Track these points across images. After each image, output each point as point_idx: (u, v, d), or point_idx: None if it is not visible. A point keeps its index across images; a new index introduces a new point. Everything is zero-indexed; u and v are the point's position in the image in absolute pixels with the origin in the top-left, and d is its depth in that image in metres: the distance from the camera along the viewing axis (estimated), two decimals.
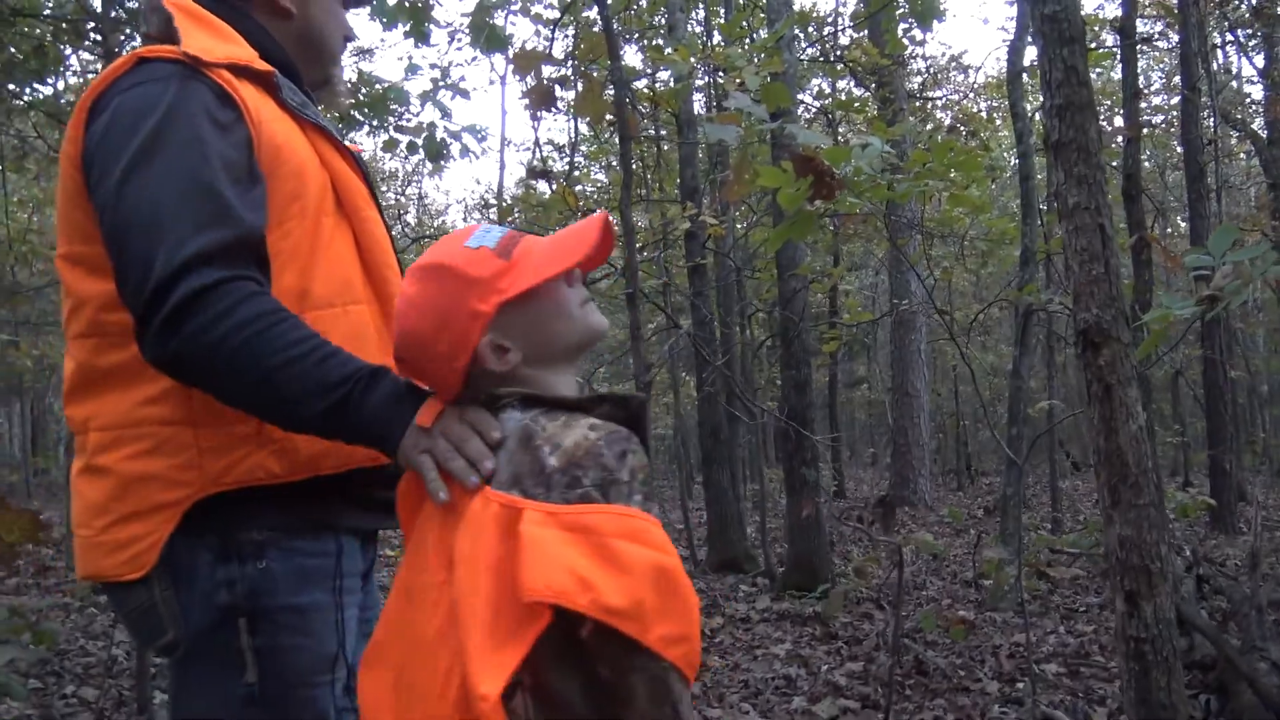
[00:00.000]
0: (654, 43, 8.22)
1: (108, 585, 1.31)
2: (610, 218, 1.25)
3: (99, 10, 4.60)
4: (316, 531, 1.30)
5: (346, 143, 1.49)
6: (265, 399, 1.16)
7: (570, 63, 3.78)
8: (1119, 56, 5.84)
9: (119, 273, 1.19)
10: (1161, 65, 14.94)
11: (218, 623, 1.25)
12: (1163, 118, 13.20)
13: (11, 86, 5.35)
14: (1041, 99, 2.34)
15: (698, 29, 10.04)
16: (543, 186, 7.67)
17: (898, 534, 4.33)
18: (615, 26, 3.48)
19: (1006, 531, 5.61)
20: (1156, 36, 10.72)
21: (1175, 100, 13.96)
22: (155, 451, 1.24)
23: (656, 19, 8.78)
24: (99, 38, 4.53)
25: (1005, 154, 15.92)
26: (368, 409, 1.15)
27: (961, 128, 10.43)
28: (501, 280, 1.15)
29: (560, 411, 1.15)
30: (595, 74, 3.42)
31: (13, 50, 5.13)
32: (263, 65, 1.32)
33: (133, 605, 1.29)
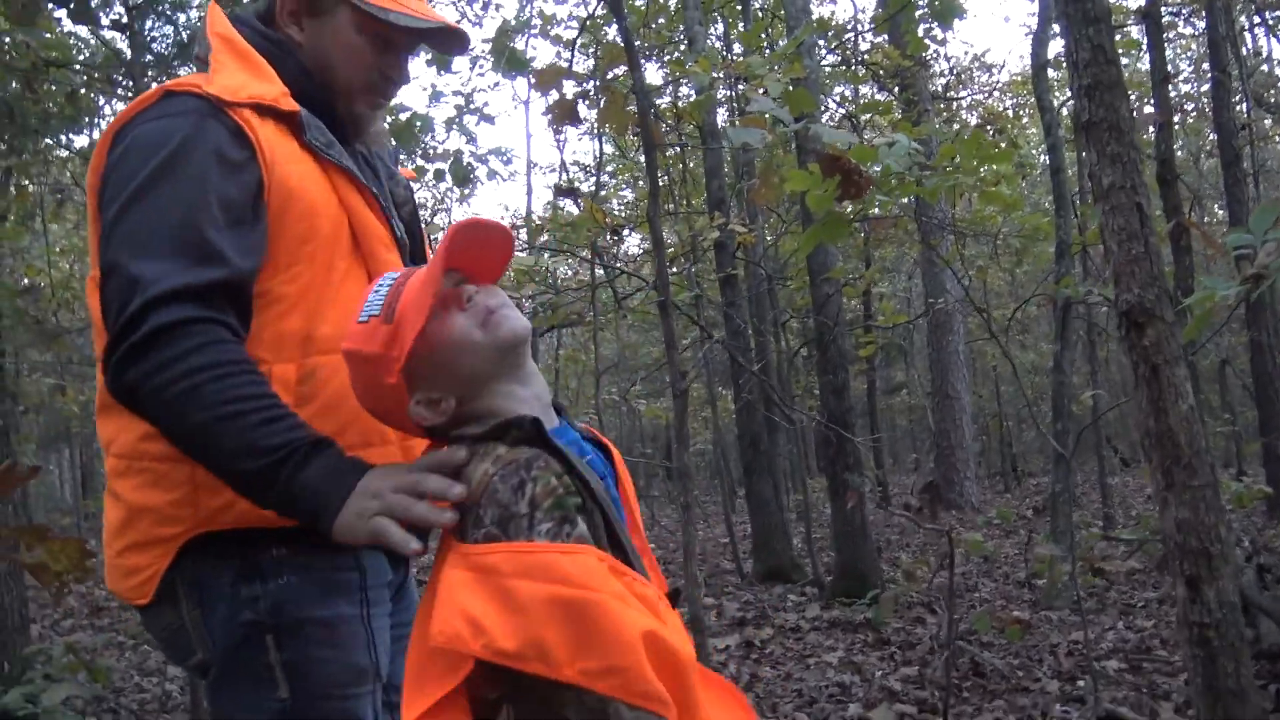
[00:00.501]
0: (674, 57, 8.25)
1: (140, 609, 1.33)
2: (476, 219, 1.19)
3: (129, 57, 4.69)
4: (332, 552, 1.28)
5: (399, 168, 1.50)
6: (202, 447, 1.15)
7: (592, 80, 3.80)
8: (1145, 43, 5.76)
9: (103, 296, 1.19)
10: (1189, 53, 14.73)
11: (244, 640, 1.26)
12: (1193, 105, 13.02)
13: (48, 141, 5.46)
14: (1069, 87, 2.30)
15: (717, 43, 10.06)
16: (570, 206, 7.70)
17: (944, 524, 4.26)
18: (635, 40, 3.49)
19: (1058, 529, 5.50)
20: (1183, 22, 10.58)
21: (1205, 88, 13.79)
22: (155, 485, 1.25)
23: (676, 35, 8.82)
24: (129, 82, 4.62)
25: (1034, 151, 15.78)
26: (300, 480, 1.13)
27: (989, 126, 10.34)
28: (392, 349, 1.13)
29: (483, 444, 1.14)
30: (616, 85, 3.43)
31: (49, 105, 5.25)
32: (288, 105, 1.31)
33: (163, 626, 1.31)
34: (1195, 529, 2.10)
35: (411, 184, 1.57)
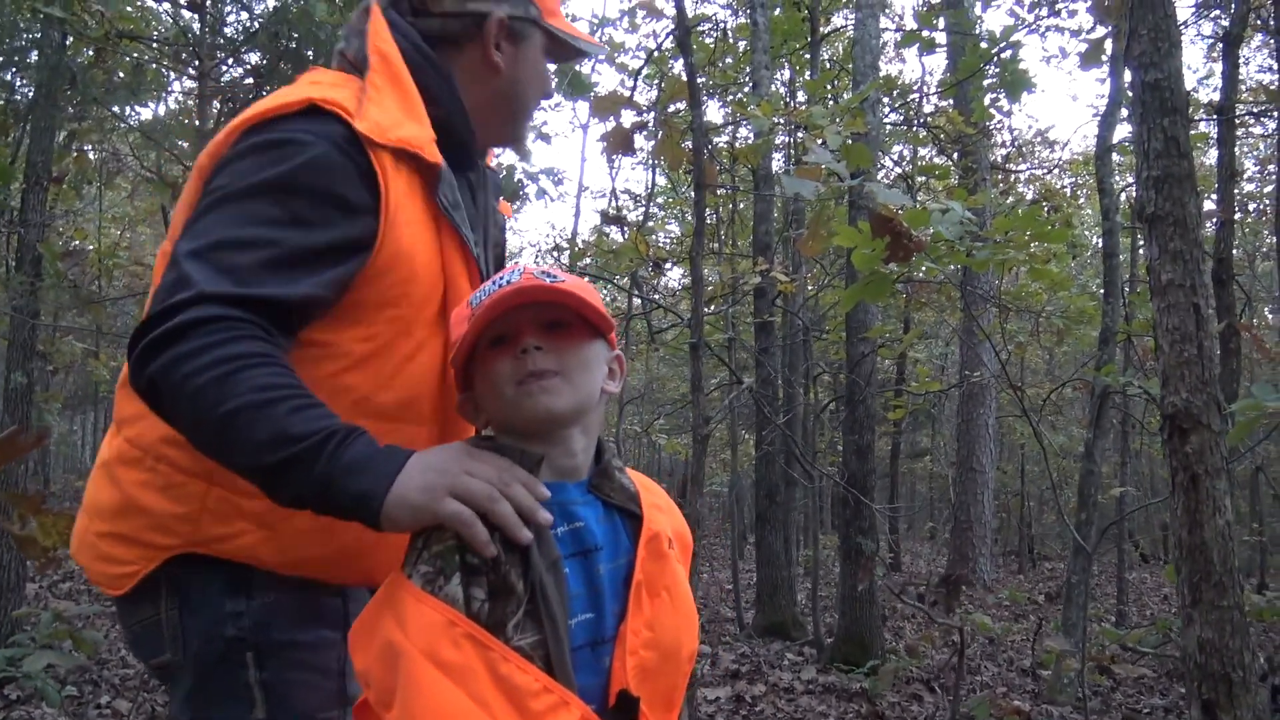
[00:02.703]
0: (737, 98, 8.25)
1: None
2: (527, 267, 1.14)
3: (197, 35, 4.74)
4: (321, 574, 1.25)
5: (499, 202, 1.47)
6: (228, 441, 1.05)
7: (651, 111, 3.78)
8: (1214, 137, 5.67)
9: (162, 280, 1.14)
10: (1255, 152, 14.58)
11: (224, 655, 1.20)
12: (1254, 205, 12.85)
13: (115, 109, 5.54)
14: (1136, 171, 2.24)
15: (781, 89, 10.06)
16: (616, 234, 7.69)
17: (956, 615, 4.14)
18: (699, 77, 3.46)
19: (1069, 621, 5.36)
20: (1254, 120, 10.45)
21: (1268, 189, 13.62)
22: (163, 491, 1.20)
23: (741, 76, 8.83)
24: (196, 62, 4.67)
25: (1086, 232, 15.63)
26: (344, 459, 1.03)
27: (1044, 203, 10.25)
28: (455, 346, 1.13)
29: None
30: (676, 120, 3.40)
31: (119, 74, 5.32)
32: (433, 156, 1.24)
33: (137, 619, 1.25)
34: (1219, 651, 2.00)
35: (506, 221, 1.53)
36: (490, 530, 1.03)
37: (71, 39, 5.02)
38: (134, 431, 1.24)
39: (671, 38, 5.59)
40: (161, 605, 1.22)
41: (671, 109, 3.92)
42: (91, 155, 7.26)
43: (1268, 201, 13.01)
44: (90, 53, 5.28)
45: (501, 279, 1.13)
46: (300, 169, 1.15)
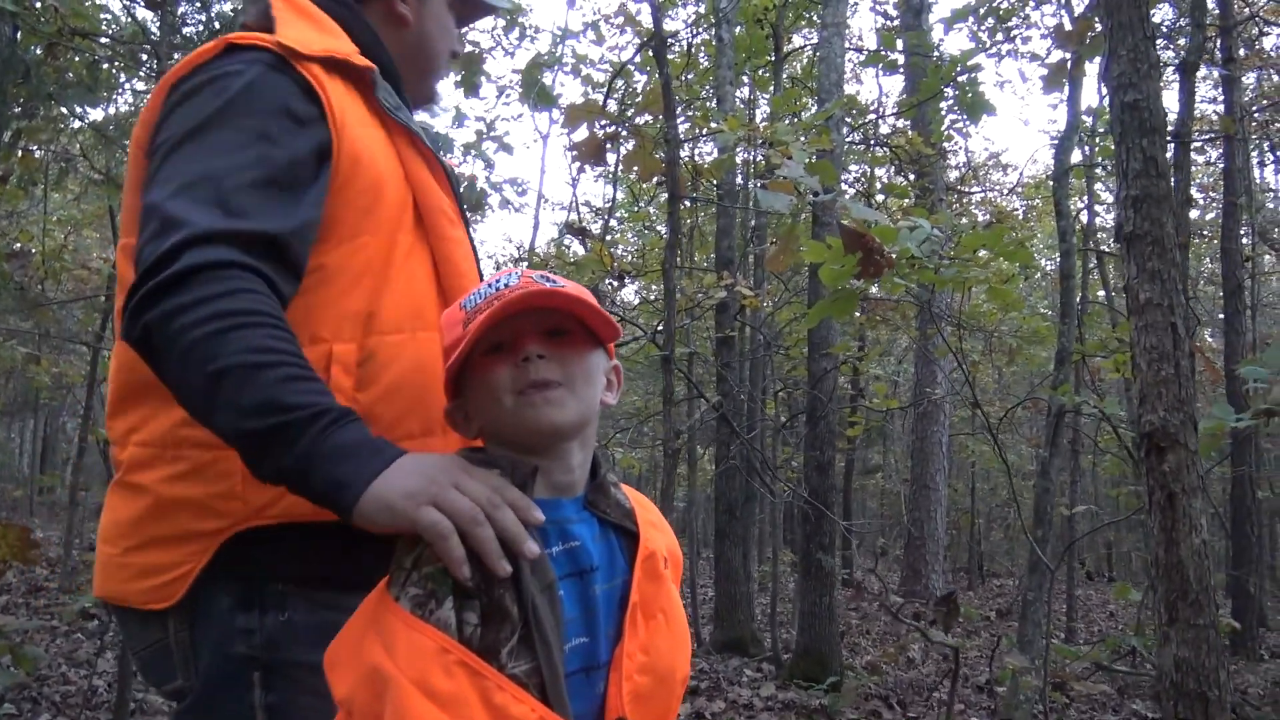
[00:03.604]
0: (698, 114, 8.27)
1: (121, 614, 1.21)
2: (525, 271, 1.10)
3: (156, 36, 4.63)
4: (346, 587, 1.15)
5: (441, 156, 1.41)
6: (213, 400, 0.99)
7: (623, 124, 3.75)
8: (1172, 161, 5.80)
9: (139, 239, 1.08)
10: (1197, 180, 14.96)
11: (231, 674, 1.14)
12: (1198, 232, 13.17)
13: (63, 109, 5.38)
14: (1116, 192, 2.25)
15: (741, 106, 10.12)
16: (577, 246, 7.64)
17: (913, 631, 4.14)
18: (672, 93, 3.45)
19: (1025, 638, 5.40)
20: (1199, 150, 10.73)
21: (1210, 215, 13.98)
22: (194, 475, 1.13)
23: (705, 91, 8.86)
24: (155, 62, 4.55)
25: (1037, 255, 15.90)
26: (329, 442, 0.97)
27: (999, 224, 10.40)
28: (452, 351, 1.06)
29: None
30: (647, 131, 3.38)
31: (70, 74, 5.17)
32: (362, 60, 1.24)
33: (146, 643, 1.19)
34: (1195, 670, 2.01)
35: (454, 169, 1.50)
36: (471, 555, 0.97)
37: (22, 34, 4.88)
38: (142, 435, 1.18)
39: (641, 50, 5.58)
40: (170, 627, 1.16)
41: (642, 120, 3.90)
42: (39, 155, 7.06)
43: (1210, 229, 13.36)
44: (38, 50, 5.13)
45: (498, 283, 1.08)
46: (241, 94, 1.13)
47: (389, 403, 1.17)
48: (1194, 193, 14.56)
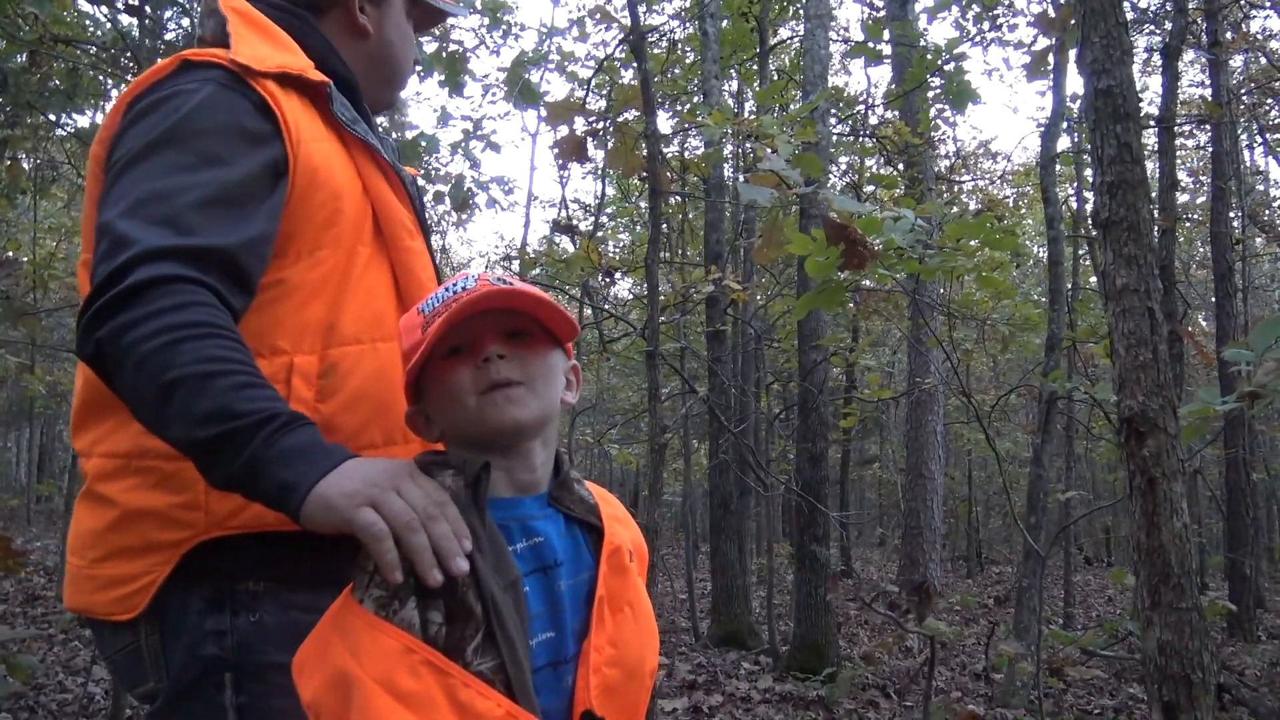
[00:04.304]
0: (686, 108, 8.26)
1: (92, 622, 1.21)
2: (481, 274, 1.11)
3: (136, 40, 4.61)
4: (317, 586, 1.16)
5: (404, 168, 1.41)
6: (166, 410, 1.00)
7: (604, 120, 3.75)
8: (1155, 148, 5.80)
9: (95, 255, 1.09)
10: (1187, 164, 14.98)
11: (201, 676, 1.14)
12: (1187, 217, 13.18)
13: (50, 116, 5.36)
14: (1092, 177, 2.25)
15: (729, 100, 10.11)
16: (566, 243, 7.65)
17: (929, 616, 4.13)
18: (651, 87, 3.45)
19: (1021, 624, 5.42)
20: (1187, 134, 10.74)
21: (1200, 200, 13.99)
22: (158, 486, 1.14)
23: (691, 86, 8.85)
24: (134, 67, 4.54)
25: (1028, 242, 15.92)
26: (279, 446, 0.98)
27: (989, 212, 10.40)
28: (411, 355, 1.06)
29: (437, 469, 1.06)
30: (629, 126, 3.37)
31: (55, 82, 5.15)
32: (316, 75, 1.25)
33: (117, 647, 1.19)
34: (1178, 653, 2.01)
35: (416, 180, 1.49)
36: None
37: (3, 43, 4.86)
38: (107, 446, 1.18)
39: (622, 46, 5.58)
40: (141, 631, 1.16)
41: (624, 117, 3.90)
42: (25, 164, 7.04)
43: (1200, 213, 13.37)
44: (23, 59, 5.12)
45: (455, 285, 1.09)
46: (193, 113, 1.14)
47: (351, 413, 1.18)
48: (1183, 177, 14.60)
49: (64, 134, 5.84)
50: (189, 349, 0.99)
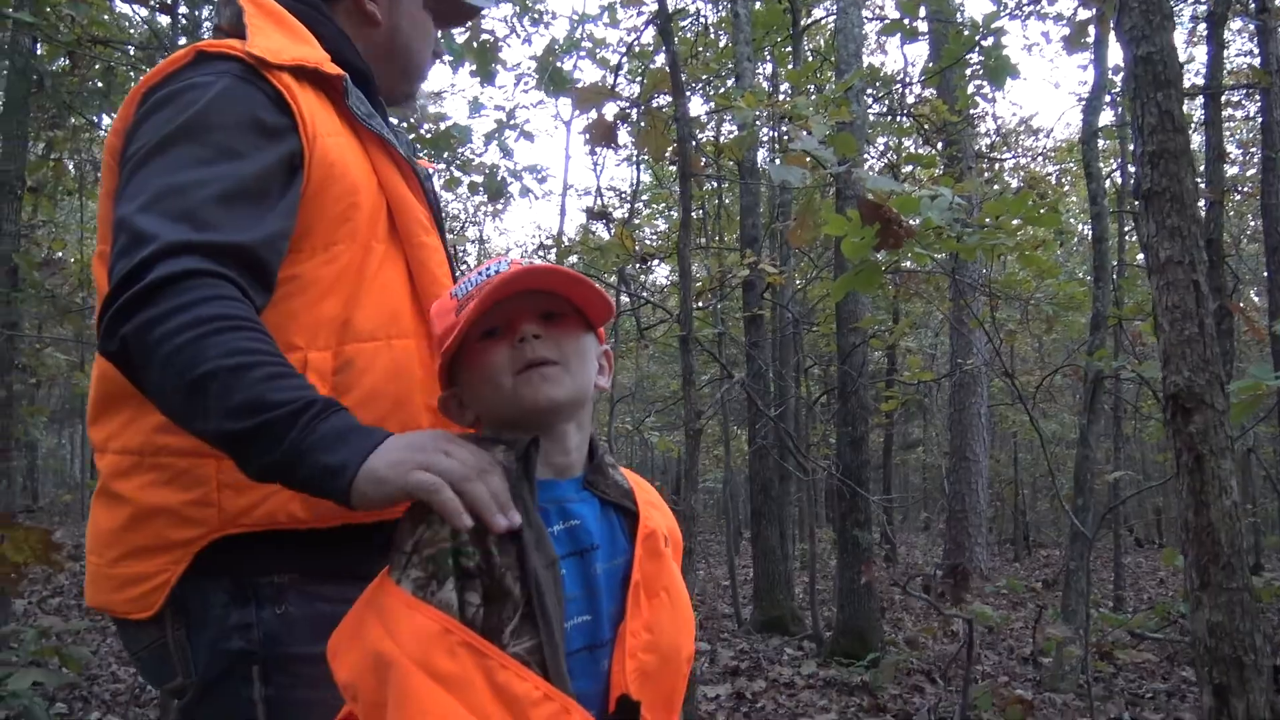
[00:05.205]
0: (720, 91, 8.20)
1: (117, 620, 1.21)
2: (513, 259, 1.12)
3: (172, 38, 4.66)
4: (341, 578, 1.16)
5: (418, 161, 1.40)
6: (199, 405, 0.99)
7: (634, 105, 3.73)
8: (1202, 118, 5.65)
9: (113, 250, 1.09)
10: (1236, 135, 14.60)
11: (229, 670, 1.14)
12: (1238, 189, 12.85)
13: (88, 116, 5.44)
14: (1132, 148, 2.19)
15: (764, 83, 10.02)
16: (601, 230, 7.63)
17: (970, 599, 4.09)
18: (681, 69, 3.41)
19: (1069, 608, 5.33)
20: (1236, 104, 10.46)
21: (1250, 172, 13.63)
22: (171, 483, 1.14)
23: (724, 69, 8.78)
24: None
25: (1072, 219, 15.63)
26: (319, 430, 0.97)
27: (1031, 189, 10.22)
28: (445, 339, 1.07)
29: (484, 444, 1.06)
30: (659, 112, 3.34)
31: (95, 82, 5.23)
32: (332, 68, 1.23)
33: (143, 644, 1.19)
34: (1229, 634, 1.96)
35: (431, 174, 1.47)
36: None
37: (43, 47, 4.94)
38: (120, 442, 1.18)
39: (652, 29, 5.54)
40: (167, 627, 1.17)
41: (655, 102, 3.87)
42: (70, 164, 7.16)
43: (1249, 185, 13.03)
44: (65, 60, 5.19)
45: (487, 270, 1.09)
46: (209, 106, 1.13)
47: (366, 409, 1.16)
48: (1233, 149, 14.24)
49: (104, 134, 5.92)
50: (217, 342, 0.99)
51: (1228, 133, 14.38)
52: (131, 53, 5.41)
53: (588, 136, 3.29)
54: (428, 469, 0.96)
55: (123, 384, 1.14)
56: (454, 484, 0.96)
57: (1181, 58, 2.28)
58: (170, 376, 1.00)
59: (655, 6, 3.71)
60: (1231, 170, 13.58)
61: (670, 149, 3.24)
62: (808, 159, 3.46)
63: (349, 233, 1.20)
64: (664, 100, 4.61)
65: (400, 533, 1.01)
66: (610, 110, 3.32)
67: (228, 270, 1.06)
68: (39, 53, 4.72)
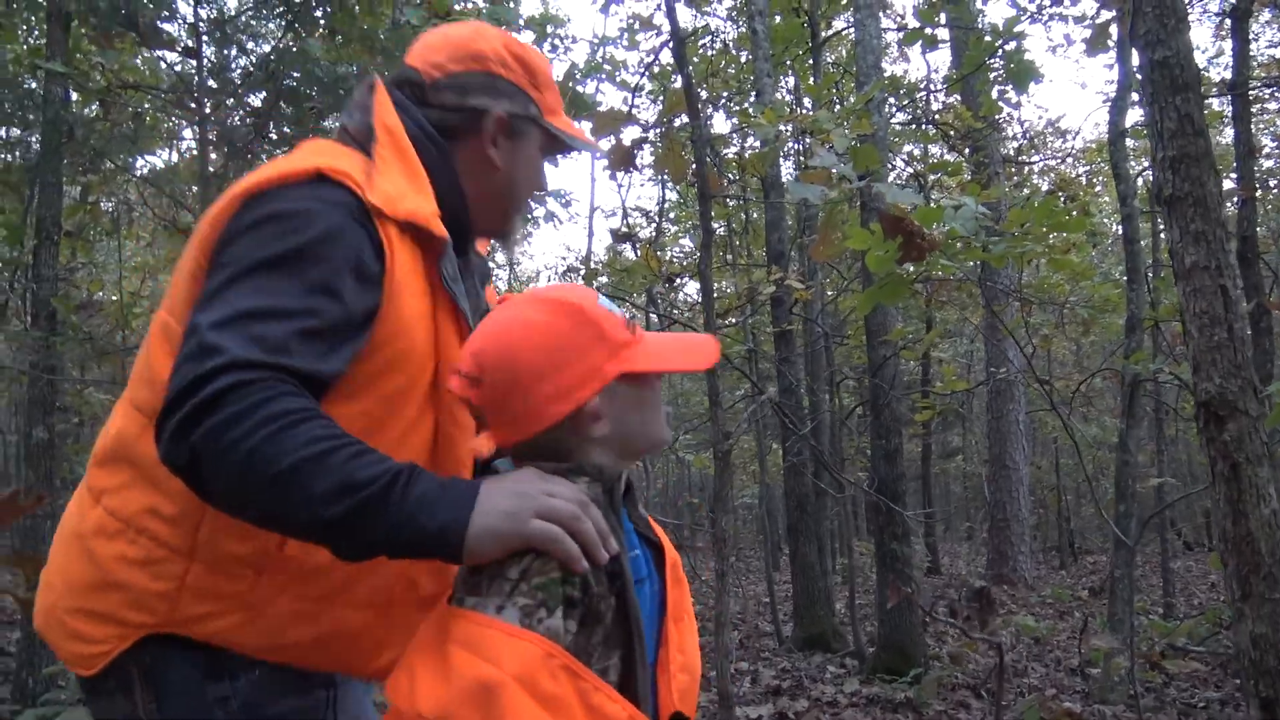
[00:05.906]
0: (742, 108, 8.20)
1: (84, 685, 1.22)
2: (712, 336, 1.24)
3: (198, 81, 4.75)
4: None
5: (485, 289, 1.44)
6: (285, 502, 1.00)
7: (652, 127, 3.74)
8: (1231, 113, 5.56)
9: (181, 352, 1.08)
10: (1271, 128, 14.36)
11: None
12: (1276, 182, 12.62)
13: (119, 160, 5.56)
14: (1151, 153, 2.16)
15: (787, 96, 10.01)
16: (628, 251, 7.65)
17: (998, 619, 4.02)
18: (701, 91, 3.41)
19: (1115, 617, 5.23)
20: (1267, 99, 10.30)
21: None
22: (143, 566, 1.16)
23: (746, 84, 8.79)
24: (197, 106, 4.68)
25: (1105, 220, 15.43)
26: (415, 495, 1.01)
27: (1061, 193, 10.11)
28: (628, 350, 1.13)
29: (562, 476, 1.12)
30: (676, 133, 3.35)
31: (126, 125, 5.35)
32: (439, 228, 1.22)
33: (113, 712, 1.20)
34: (1274, 645, 1.91)
35: (489, 273, 1.51)
36: None
37: (76, 95, 5.06)
38: (115, 502, 1.19)
39: (667, 51, 5.56)
40: (137, 698, 1.17)
41: (675, 122, 3.87)
42: (106, 207, 7.30)
43: None
44: (97, 106, 5.31)
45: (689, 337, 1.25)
46: (317, 239, 1.12)
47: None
48: (1267, 143, 13.99)
49: (132, 177, 6.03)
50: (294, 435, 1.00)
51: (1262, 125, 14.16)
52: (161, 96, 5.52)
53: (606, 163, 3.30)
54: (544, 516, 1.02)
55: (134, 454, 1.17)
56: (565, 525, 1.02)
57: (1211, 51, 2.24)
58: (251, 477, 1.00)
59: (669, 27, 3.72)
60: (1268, 164, 13.34)
61: (690, 170, 3.24)
62: (830, 173, 3.45)
63: (389, 394, 1.19)
64: (684, 121, 4.62)
65: (506, 563, 1.04)
66: (629, 135, 3.34)
67: (288, 378, 1.06)
68: (72, 99, 4.83)
